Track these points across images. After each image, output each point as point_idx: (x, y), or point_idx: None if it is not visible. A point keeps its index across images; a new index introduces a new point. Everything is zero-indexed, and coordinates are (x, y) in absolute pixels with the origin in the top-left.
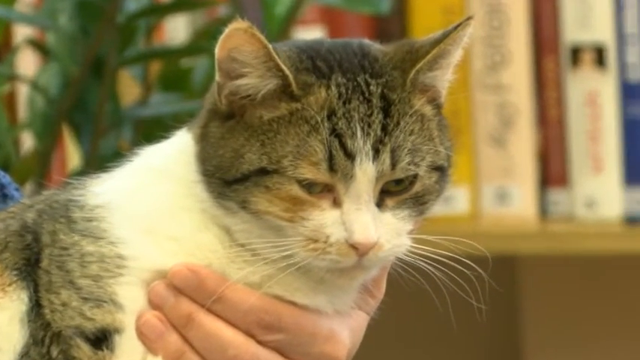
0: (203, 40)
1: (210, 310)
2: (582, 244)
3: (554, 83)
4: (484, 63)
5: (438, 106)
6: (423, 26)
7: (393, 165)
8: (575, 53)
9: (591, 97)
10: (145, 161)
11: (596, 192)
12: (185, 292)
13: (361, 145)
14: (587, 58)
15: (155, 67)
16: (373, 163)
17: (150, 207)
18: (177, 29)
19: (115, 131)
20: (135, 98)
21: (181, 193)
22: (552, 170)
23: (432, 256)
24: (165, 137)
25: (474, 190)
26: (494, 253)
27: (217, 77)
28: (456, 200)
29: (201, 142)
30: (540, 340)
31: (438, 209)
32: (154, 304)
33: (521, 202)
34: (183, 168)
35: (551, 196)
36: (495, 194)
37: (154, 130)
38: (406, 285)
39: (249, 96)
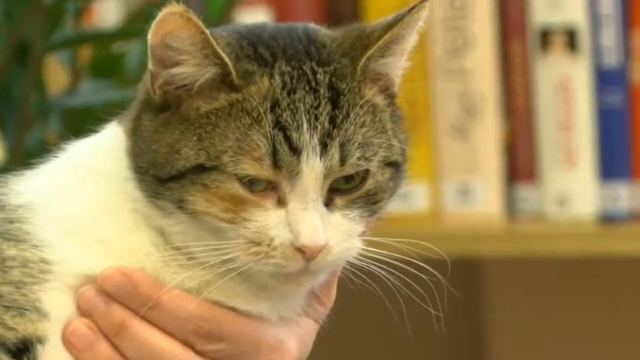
0: (137, 23)
1: (144, 318)
2: (553, 246)
3: (522, 69)
4: (445, 47)
5: (391, 96)
6: (378, 8)
7: (343, 160)
8: (545, 36)
9: (563, 84)
10: (72, 157)
11: (569, 188)
12: (117, 298)
13: (307, 138)
14: (558, 41)
15: (85, 53)
16: (321, 158)
17: (77, 207)
18: (108, 11)
19: (41, 123)
20: (63, 86)
21: (111, 191)
22: (520, 164)
23: (386, 259)
24: (95, 130)
25: (433, 186)
26: (456, 256)
27: (150, 65)
28: (413, 197)
29: (133, 137)
30: (507, 351)
31: (393, 208)
32: (82, 311)
33: (485, 199)
34: (113, 164)
35: (518, 193)
36: (457, 191)
37: (83, 122)
38: (358, 292)
39: (185, 86)
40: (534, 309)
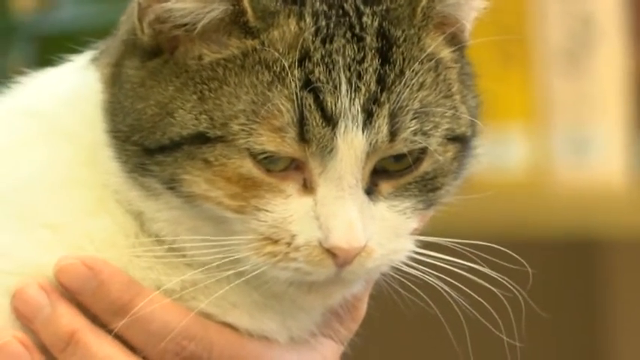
0: None
1: (106, 328)
2: None
3: None
4: None
5: (460, 47)
6: None
7: (393, 135)
8: None
9: None
10: (22, 103)
11: None
12: (77, 297)
13: (347, 104)
14: None
15: None
16: (364, 131)
17: (21, 175)
18: None
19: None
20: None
21: (74, 159)
22: None
23: (448, 266)
24: (61, 60)
25: (534, 137)
26: (564, 235)
27: None
28: (506, 152)
29: (112, 88)
30: None
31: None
32: (21, 316)
33: (607, 153)
34: (81, 122)
35: None
36: (568, 142)
37: (61, 50)
38: (408, 309)
39: (184, 25)
40: None
